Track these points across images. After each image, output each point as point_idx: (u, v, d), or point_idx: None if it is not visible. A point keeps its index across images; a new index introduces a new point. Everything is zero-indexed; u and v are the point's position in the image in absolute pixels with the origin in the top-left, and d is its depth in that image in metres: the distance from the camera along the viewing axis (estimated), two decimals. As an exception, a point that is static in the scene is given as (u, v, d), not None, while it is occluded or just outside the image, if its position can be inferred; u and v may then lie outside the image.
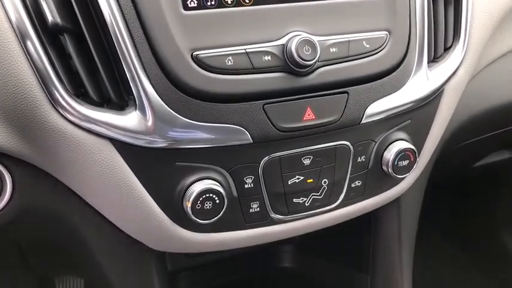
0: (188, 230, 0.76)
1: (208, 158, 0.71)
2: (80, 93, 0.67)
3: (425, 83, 0.80)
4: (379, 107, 0.76)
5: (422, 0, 0.79)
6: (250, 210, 0.76)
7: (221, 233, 0.77)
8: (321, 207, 0.80)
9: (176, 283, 1.23)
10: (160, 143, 0.67)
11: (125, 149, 0.68)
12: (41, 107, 0.65)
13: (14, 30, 0.64)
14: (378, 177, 0.82)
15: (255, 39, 0.68)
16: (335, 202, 0.81)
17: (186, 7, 0.66)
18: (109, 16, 0.64)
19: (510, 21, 0.95)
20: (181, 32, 0.66)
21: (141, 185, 0.71)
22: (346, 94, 0.73)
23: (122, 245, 0.82)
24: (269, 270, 1.28)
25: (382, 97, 0.76)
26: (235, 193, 0.74)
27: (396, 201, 0.94)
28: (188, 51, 0.66)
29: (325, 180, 0.78)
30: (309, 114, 0.71)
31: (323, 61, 0.71)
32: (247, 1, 0.69)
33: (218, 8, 0.68)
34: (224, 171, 0.72)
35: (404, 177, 0.84)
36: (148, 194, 0.72)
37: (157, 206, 0.73)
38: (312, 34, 0.70)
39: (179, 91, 0.66)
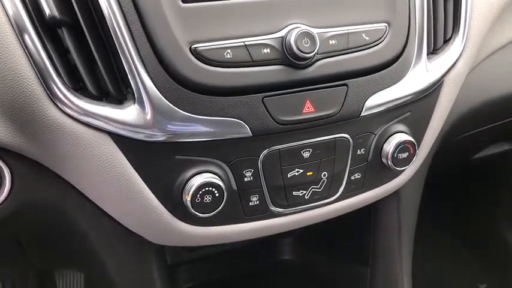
0: (188, 223, 0.76)
1: (207, 152, 0.70)
2: (78, 87, 0.67)
3: (424, 75, 0.79)
4: (378, 100, 0.75)
5: None
6: (250, 203, 0.75)
7: (221, 226, 0.77)
8: (321, 200, 0.80)
9: (176, 276, 1.24)
10: (159, 137, 0.67)
11: (124, 143, 0.68)
12: (39, 101, 0.65)
13: (12, 24, 0.63)
14: (377, 169, 0.82)
15: (254, 31, 0.68)
16: (335, 195, 0.81)
17: (184, 0, 0.66)
18: (107, 9, 0.64)
19: (510, 12, 0.95)
20: (179, 25, 0.65)
21: (140, 179, 0.71)
22: (345, 87, 0.73)
23: (121, 238, 0.82)
24: (269, 263, 1.29)
25: (382, 89, 0.75)
26: (234, 186, 0.74)
27: (396, 194, 0.94)
28: (187, 44, 0.65)
29: (325, 173, 0.78)
30: (308, 107, 0.71)
31: (322, 53, 0.71)
32: None
33: (216, 0, 0.67)
34: (223, 165, 0.72)
35: (404, 170, 0.84)
36: (147, 187, 0.71)
37: (156, 200, 0.72)
38: (311, 26, 0.69)
39: (178, 84, 0.66)
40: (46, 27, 0.65)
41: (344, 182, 0.80)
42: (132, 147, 0.69)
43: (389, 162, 0.80)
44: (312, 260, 1.22)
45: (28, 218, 0.82)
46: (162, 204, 0.73)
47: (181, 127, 0.67)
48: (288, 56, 0.69)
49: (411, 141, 0.79)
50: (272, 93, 0.69)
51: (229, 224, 0.77)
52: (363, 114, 0.75)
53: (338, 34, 0.71)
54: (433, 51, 0.83)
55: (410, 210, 1.03)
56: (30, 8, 0.64)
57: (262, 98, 0.69)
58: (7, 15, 0.63)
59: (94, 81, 0.67)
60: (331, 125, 0.74)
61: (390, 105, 0.77)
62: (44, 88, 0.65)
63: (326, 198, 0.80)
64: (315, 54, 0.69)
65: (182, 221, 0.75)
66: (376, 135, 0.79)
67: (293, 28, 0.68)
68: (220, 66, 0.67)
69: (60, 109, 0.66)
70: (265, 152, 0.73)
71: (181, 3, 0.66)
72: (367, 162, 0.80)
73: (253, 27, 0.68)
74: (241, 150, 0.72)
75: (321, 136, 0.75)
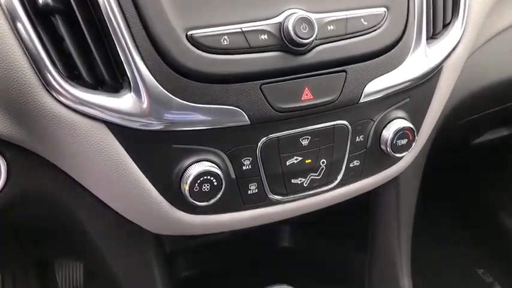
0: (186, 212, 0.75)
1: (205, 140, 0.70)
2: (73, 76, 0.66)
3: (424, 60, 0.79)
4: (377, 86, 0.75)
5: None
6: (249, 191, 0.75)
7: (219, 215, 0.77)
8: (320, 188, 0.80)
9: (174, 264, 1.24)
10: (156, 125, 0.66)
11: (121, 132, 0.67)
12: (33, 90, 0.64)
13: (4, 12, 0.62)
14: (376, 156, 0.81)
15: (251, 17, 0.67)
16: (333, 182, 0.80)
17: None
18: None
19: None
20: (175, 12, 0.64)
21: (137, 168, 0.70)
22: (344, 73, 0.72)
23: (119, 228, 0.82)
24: (268, 250, 1.29)
25: (381, 75, 0.75)
26: (233, 175, 0.73)
27: (395, 180, 0.94)
28: (183, 30, 0.65)
29: (324, 160, 0.77)
30: (306, 94, 0.71)
31: (320, 39, 0.70)
32: None
33: None
34: (222, 153, 0.71)
35: (403, 156, 0.83)
36: (145, 177, 0.71)
37: (154, 189, 0.72)
38: (309, 11, 0.68)
39: (174, 72, 0.65)
40: (39, 15, 0.64)
41: (343, 169, 0.80)
42: (129, 137, 0.68)
43: (388, 149, 0.79)
44: (311, 247, 1.22)
45: (25, 208, 0.81)
46: (160, 193, 0.72)
47: (178, 115, 0.66)
48: (285, 42, 0.68)
49: (410, 127, 0.79)
50: (270, 80, 0.68)
51: (228, 212, 0.77)
52: (361, 100, 0.74)
53: (336, 19, 0.71)
54: (433, 36, 0.82)
55: (409, 196, 1.03)
56: None
57: (260, 85, 0.68)
58: None
59: (89, 69, 0.66)
60: (329, 112, 0.74)
61: (389, 91, 0.76)
62: (39, 77, 0.64)
63: (325, 186, 0.80)
64: (313, 40, 0.68)
65: (180, 210, 0.75)
66: (375, 122, 0.79)
67: (291, 13, 0.67)
68: (217, 53, 0.66)
69: (55, 98, 0.65)
70: (263, 140, 0.72)
71: None
72: (366, 149, 0.80)
73: (250, 13, 0.67)
74: (239, 138, 0.71)
75: (320, 123, 0.74)
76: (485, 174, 1.57)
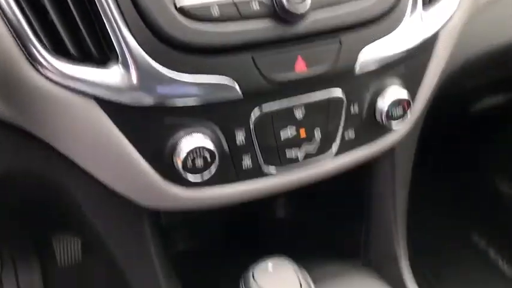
0: (180, 187, 0.74)
1: (197, 114, 0.68)
2: (59, 49, 0.64)
3: (420, 27, 0.77)
4: (372, 54, 0.73)
5: None
6: (243, 165, 0.74)
7: (214, 189, 0.76)
8: (315, 159, 0.79)
9: (171, 238, 1.24)
10: (146, 99, 0.65)
11: (110, 107, 0.66)
12: (18, 64, 0.63)
13: None
14: (371, 127, 0.80)
15: None
16: (328, 153, 0.79)
17: None
18: None
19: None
20: None
21: (129, 144, 0.69)
22: (338, 41, 0.70)
23: (114, 204, 0.81)
24: (264, 222, 1.30)
25: (376, 40, 0.73)
26: (226, 149, 0.72)
27: (390, 151, 0.93)
28: (171, 0, 0.63)
29: (318, 131, 0.76)
30: (300, 64, 0.69)
31: (313, 7, 0.67)
32: None
33: None
34: (215, 127, 0.70)
35: (399, 127, 0.82)
36: (137, 152, 0.70)
37: (147, 164, 0.71)
38: None
39: (163, 43, 0.63)
40: None
41: (338, 141, 0.79)
42: (119, 112, 0.66)
43: (383, 119, 0.78)
44: (306, 218, 1.23)
45: (16, 186, 0.81)
46: (153, 168, 0.71)
47: (168, 88, 0.65)
48: (277, 11, 0.66)
49: (406, 98, 0.78)
50: (262, 50, 0.67)
51: (221, 184, 0.76)
52: (356, 70, 0.73)
53: None
54: (429, 1, 0.81)
55: (405, 167, 1.03)
56: None
57: (252, 56, 0.67)
58: None
59: (75, 41, 0.64)
60: (324, 82, 0.72)
61: (384, 60, 0.75)
62: (22, 51, 0.62)
63: (320, 157, 0.79)
64: (305, 8, 0.66)
65: (174, 184, 0.74)
66: (369, 92, 0.77)
67: None
68: (207, 23, 0.64)
69: (41, 73, 0.63)
70: (256, 112, 0.71)
71: None
72: (361, 120, 0.79)
73: None
74: (232, 111, 0.70)
75: (314, 94, 0.73)
76: (483, 144, 1.56)
